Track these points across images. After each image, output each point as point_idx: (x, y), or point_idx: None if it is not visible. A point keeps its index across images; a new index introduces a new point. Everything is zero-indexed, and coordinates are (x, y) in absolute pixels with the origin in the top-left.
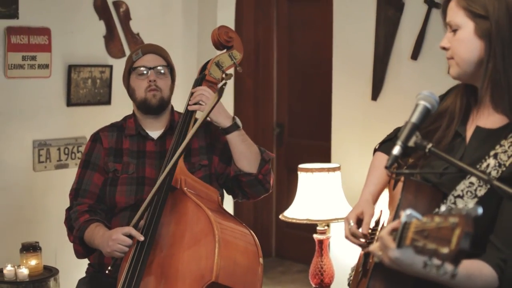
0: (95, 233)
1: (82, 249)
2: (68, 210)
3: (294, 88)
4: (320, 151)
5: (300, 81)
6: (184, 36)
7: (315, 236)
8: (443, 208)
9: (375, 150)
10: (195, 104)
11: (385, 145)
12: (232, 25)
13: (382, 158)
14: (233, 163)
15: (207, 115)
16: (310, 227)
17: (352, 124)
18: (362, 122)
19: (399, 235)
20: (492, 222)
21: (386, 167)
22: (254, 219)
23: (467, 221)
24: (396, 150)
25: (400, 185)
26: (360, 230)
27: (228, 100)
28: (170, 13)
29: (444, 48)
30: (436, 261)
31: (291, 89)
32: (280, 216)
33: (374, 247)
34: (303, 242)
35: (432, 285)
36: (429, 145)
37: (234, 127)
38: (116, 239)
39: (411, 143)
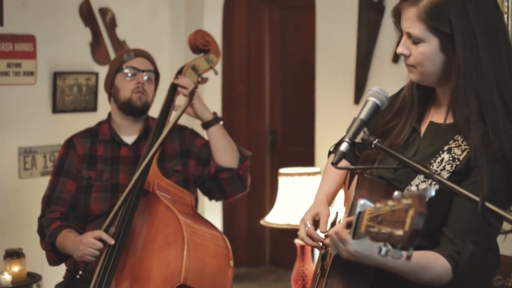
0: (66, 239)
1: (55, 255)
2: (39, 218)
3: (287, 95)
4: (313, 158)
5: (293, 87)
6: (171, 43)
7: (296, 241)
8: (396, 193)
9: (330, 153)
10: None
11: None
12: (219, 31)
13: None
14: (213, 159)
15: (179, 118)
16: None
17: (335, 128)
18: (345, 126)
19: (354, 225)
20: (448, 216)
21: (333, 163)
22: (247, 227)
23: (420, 202)
24: (343, 146)
25: (354, 183)
26: (318, 230)
27: (216, 104)
28: (157, 20)
29: (402, 55)
30: (390, 245)
31: (284, 96)
32: (261, 222)
33: (327, 241)
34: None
35: (390, 279)
36: (375, 141)
37: (215, 120)
38: (86, 243)
39: (358, 139)
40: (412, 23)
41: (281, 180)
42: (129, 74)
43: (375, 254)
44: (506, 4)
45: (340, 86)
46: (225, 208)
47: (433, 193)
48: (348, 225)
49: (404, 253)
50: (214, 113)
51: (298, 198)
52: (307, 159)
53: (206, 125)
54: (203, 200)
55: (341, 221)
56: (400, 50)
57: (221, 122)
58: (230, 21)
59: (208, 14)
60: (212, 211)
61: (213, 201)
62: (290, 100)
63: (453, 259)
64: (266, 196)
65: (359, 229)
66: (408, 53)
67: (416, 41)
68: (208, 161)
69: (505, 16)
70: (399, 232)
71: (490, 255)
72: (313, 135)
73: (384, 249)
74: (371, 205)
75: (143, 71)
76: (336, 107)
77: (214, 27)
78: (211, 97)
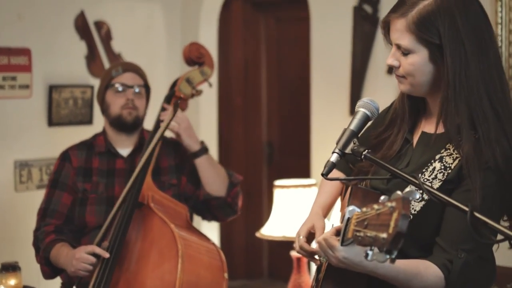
0: (60, 253)
1: (49, 269)
2: (35, 231)
3: (284, 107)
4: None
5: (290, 99)
6: (166, 55)
7: (292, 253)
8: (382, 197)
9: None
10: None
11: None
12: (215, 45)
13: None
14: (202, 187)
15: (165, 129)
16: None
17: (331, 139)
18: None
19: (343, 231)
20: (440, 225)
21: (322, 174)
22: (245, 239)
23: (404, 204)
24: (333, 157)
25: (348, 194)
26: (313, 244)
27: (211, 116)
28: (153, 33)
29: (392, 66)
30: (376, 249)
31: (281, 108)
32: (257, 234)
33: (316, 248)
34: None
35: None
36: (365, 152)
37: (203, 151)
38: (79, 258)
39: (348, 150)
40: (401, 35)
41: (277, 192)
42: (118, 90)
43: (364, 260)
44: (500, 15)
45: (335, 98)
46: None
47: (417, 196)
48: (338, 232)
49: (389, 256)
50: (202, 143)
51: (293, 210)
52: (305, 171)
53: (193, 156)
54: None
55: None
56: (389, 61)
57: (208, 152)
58: (226, 33)
59: (204, 26)
60: (209, 223)
61: None
62: (287, 112)
63: (446, 267)
64: (264, 208)
65: (347, 235)
66: (398, 64)
67: (406, 52)
68: (199, 184)
69: (499, 26)
70: (384, 235)
71: (485, 264)
72: (309, 146)
73: (370, 253)
74: (358, 210)
75: (132, 86)
76: (332, 118)
77: (210, 39)
78: (207, 110)
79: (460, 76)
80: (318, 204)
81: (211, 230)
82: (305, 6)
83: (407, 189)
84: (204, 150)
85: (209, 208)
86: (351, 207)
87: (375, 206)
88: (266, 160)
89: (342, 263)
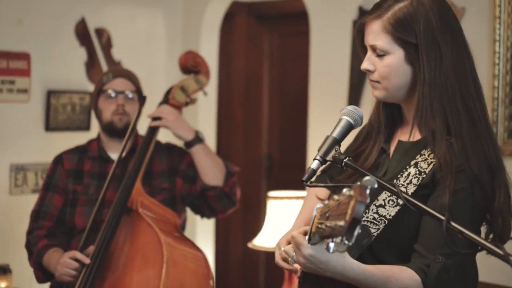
0: (51, 259)
1: (42, 274)
2: (28, 234)
3: (284, 120)
4: None
5: (291, 113)
6: (167, 64)
7: None
8: (345, 190)
9: None
10: (156, 120)
11: None
12: (215, 55)
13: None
14: (199, 178)
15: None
16: None
17: None
18: None
19: (310, 229)
20: (417, 231)
21: (303, 181)
22: (242, 251)
23: (361, 192)
24: (314, 164)
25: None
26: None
27: (209, 128)
28: (153, 41)
29: (367, 71)
30: (335, 239)
31: (282, 121)
32: (249, 244)
33: (287, 247)
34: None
35: None
36: (346, 159)
37: (197, 140)
38: (63, 263)
39: (329, 157)
40: (377, 35)
41: (270, 203)
42: (110, 96)
43: (332, 260)
44: (497, 32)
45: (333, 111)
46: (219, 232)
47: (375, 185)
48: (305, 233)
49: (346, 243)
50: (197, 132)
51: (286, 221)
52: (302, 184)
53: (188, 145)
54: (196, 223)
55: None
56: (364, 65)
57: (204, 141)
58: (228, 45)
59: (205, 37)
60: (205, 234)
61: (206, 225)
62: (288, 125)
63: (423, 271)
64: (261, 220)
65: (312, 230)
66: (373, 69)
67: (381, 54)
68: (195, 179)
69: (497, 44)
70: (341, 223)
71: (465, 276)
72: (305, 159)
73: (331, 245)
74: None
75: (122, 92)
76: (329, 131)
77: (211, 50)
78: (206, 121)
79: (435, 73)
80: (301, 218)
81: (207, 241)
82: (308, 21)
83: (366, 177)
84: (198, 139)
85: (206, 200)
86: (318, 205)
87: (336, 197)
88: (266, 173)
89: (309, 263)
